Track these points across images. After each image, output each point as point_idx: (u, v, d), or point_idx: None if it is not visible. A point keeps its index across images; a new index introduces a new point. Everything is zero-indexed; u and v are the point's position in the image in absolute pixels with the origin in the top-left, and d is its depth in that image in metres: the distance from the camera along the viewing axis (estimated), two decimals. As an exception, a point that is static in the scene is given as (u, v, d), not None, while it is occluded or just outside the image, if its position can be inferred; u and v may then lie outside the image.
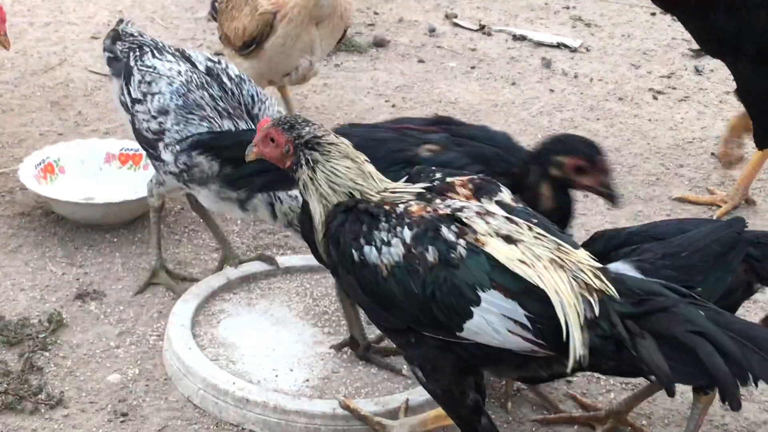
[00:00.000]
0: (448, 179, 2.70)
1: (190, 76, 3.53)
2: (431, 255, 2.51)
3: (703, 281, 2.84)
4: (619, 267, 2.75)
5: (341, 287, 2.87)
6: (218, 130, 3.41)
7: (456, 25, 6.35)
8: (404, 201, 2.62)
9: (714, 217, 4.32)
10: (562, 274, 2.49)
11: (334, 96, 5.36)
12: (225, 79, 3.57)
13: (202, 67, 3.61)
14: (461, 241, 2.51)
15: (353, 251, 2.58)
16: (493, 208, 2.61)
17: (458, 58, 5.91)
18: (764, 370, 2.38)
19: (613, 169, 3.39)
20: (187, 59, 3.64)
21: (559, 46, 6.10)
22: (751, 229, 3.10)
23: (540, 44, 6.11)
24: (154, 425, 3.15)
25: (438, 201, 2.62)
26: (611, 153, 4.67)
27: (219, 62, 3.65)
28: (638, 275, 2.72)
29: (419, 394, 3.12)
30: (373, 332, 3.36)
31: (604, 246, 2.99)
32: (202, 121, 3.43)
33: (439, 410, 2.93)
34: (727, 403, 2.40)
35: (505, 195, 2.68)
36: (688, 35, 4.73)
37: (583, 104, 5.43)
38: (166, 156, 3.48)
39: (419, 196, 2.64)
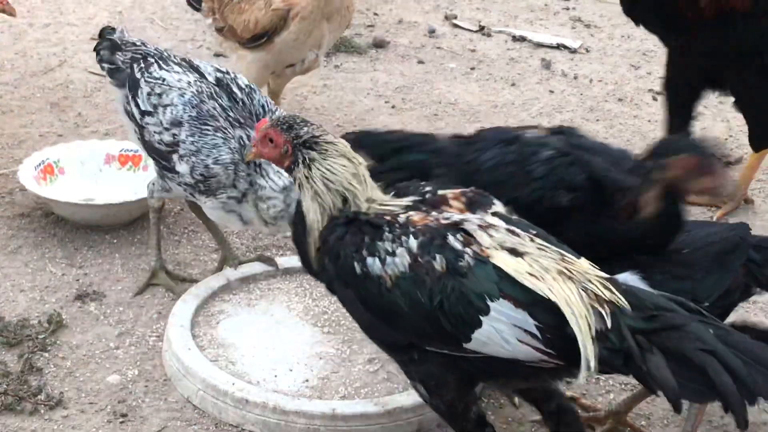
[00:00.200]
0: (440, 191, 2.67)
1: (201, 87, 3.52)
2: (439, 263, 2.49)
3: (703, 279, 2.84)
4: (627, 278, 2.73)
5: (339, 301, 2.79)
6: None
7: (456, 26, 6.35)
8: (403, 212, 2.60)
9: (714, 218, 4.33)
10: (571, 286, 2.47)
11: (334, 97, 5.36)
12: (235, 89, 3.55)
13: (211, 78, 3.58)
14: (468, 250, 2.49)
15: (355, 263, 2.55)
16: (493, 220, 2.59)
17: (458, 59, 5.91)
18: None
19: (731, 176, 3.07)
20: (195, 69, 3.61)
21: (559, 47, 6.10)
22: (755, 234, 3.12)
23: (540, 45, 6.11)
24: (154, 426, 3.15)
25: (435, 213, 2.59)
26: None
27: (228, 73, 3.62)
28: (646, 287, 2.70)
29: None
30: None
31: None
32: (217, 131, 3.43)
33: None
34: (735, 422, 2.41)
35: (499, 207, 2.66)
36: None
37: (583, 105, 5.43)
38: (181, 167, 3.47)
39: (412, 209, 2.61)
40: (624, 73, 5.84)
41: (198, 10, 4.81)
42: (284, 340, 3.44)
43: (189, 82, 3.52)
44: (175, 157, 3.47)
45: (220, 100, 3.49)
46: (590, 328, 2.43)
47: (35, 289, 3.73)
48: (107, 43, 3.71)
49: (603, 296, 2.47)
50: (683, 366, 2.40)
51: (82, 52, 5.60)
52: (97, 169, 4.29)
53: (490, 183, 2.84)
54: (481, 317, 2.45)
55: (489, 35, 6.24)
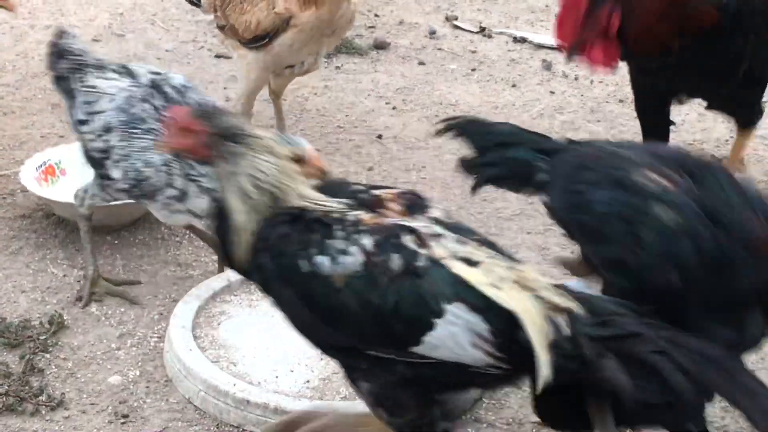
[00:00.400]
0: (374, 191, 2.57)
1: (132, 91, 3.52)
2: (395, 263, 2.40)
3: None
4: (574, 285, 2.66)
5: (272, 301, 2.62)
6: None
7: (456, 27, 6.36)
8: (348, 211, 2.49)
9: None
10: (527, 294, 2.43)
11: (335, 98, 5.37)
12: (168, 89, 3.55)
13: (145, 80, 3.57)
14: (423, 252, 2.42)
15: (300, 262, 2.43)
16: (438, 228, 2.50)
17: (459, 60, 5.91)
18: (721, 385, 2.40)
19: None
20: (130, 74, 3.61)
21: (560, 48, 6.09)
22: None
23: (540, 46, 6.11)
24: (155, 426, 3.15)
25: (377, 214, 2.50)
26: (612, 155, 4.66)
27: (160, 73, 3.62)
28: (595, 293, 2.66)
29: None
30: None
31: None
32: (146, 133, 3.44)
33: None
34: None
35: (437, 211, 2.58)
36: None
37: (584, 106, 5.43)
38: (115, 173, 3.48)
39: (354, 208, 2.50)
40: (625, 74, 5.77)
41: (197, 5, 4.82)
42: (285, 341, 3.44)
43: (121, 88, 3.54)
44: (109, 163, 3.49)
45: (153, 101, 3.50)
46: (547, 338, 2.39)
47: (36, 290, 3.74)
48: (56, 49, 3.70)
49: (558, 304, 2.44)
50: (638, 368, 2.39)
51: (83, 53, 5.60)
52: (99, 170, 4.30)
53: (596, 229, 2.63)
54: (435, 320, 2.37)
55: (490, 36, 6.24)
